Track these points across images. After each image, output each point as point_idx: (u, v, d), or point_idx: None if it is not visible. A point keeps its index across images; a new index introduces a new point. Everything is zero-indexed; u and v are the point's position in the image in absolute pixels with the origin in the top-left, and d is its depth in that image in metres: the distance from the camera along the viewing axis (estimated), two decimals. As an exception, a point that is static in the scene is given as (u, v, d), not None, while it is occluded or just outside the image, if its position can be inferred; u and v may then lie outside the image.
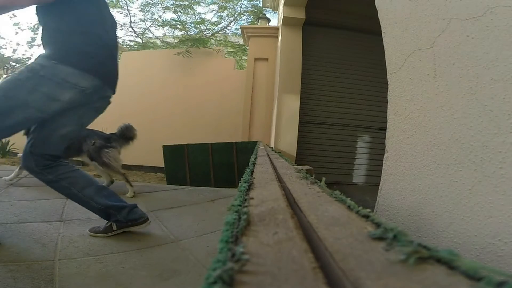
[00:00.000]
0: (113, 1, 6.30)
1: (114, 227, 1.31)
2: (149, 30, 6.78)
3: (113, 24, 1.34)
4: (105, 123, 4.27)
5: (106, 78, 1.24)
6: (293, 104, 3.18)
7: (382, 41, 1.06)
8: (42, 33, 1.15)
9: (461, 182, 0.64)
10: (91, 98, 1.20)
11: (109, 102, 1.36)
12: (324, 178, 0.53)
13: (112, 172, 2.26)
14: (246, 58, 5.58)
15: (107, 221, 1.33)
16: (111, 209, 1.29)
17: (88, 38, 1.15)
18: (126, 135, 2.30)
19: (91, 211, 1.31)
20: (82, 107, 1.21)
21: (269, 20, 4.65)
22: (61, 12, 1.11)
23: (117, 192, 2.12)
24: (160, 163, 3.45)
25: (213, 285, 0.17)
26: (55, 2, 1.08)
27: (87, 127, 1.51)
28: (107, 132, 2.46)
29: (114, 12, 6.66)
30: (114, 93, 1.36)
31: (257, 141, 3.23)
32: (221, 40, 6.69)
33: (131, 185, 2.19)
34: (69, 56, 1.11)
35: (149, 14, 6.44)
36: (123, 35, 6.78)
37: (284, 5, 3.27)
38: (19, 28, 5.97)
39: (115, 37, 1.34)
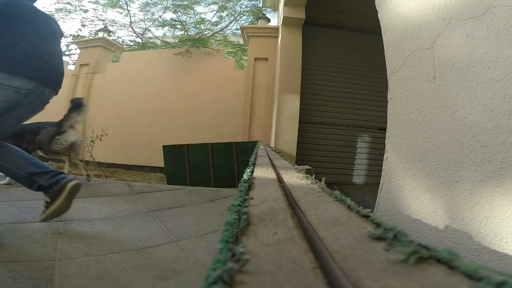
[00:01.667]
0: (113, 1, 6.30)
1: (48, 199, 1.35)
2: (149, 30, 6.79)
3: (51, 35, 1.54)
4: (105, 123, 4.29)
5: (42, 80, 1.41)
6: (293, 104, 3.17)
7: (382, 41, 1.06)
8: None
9: (461, 182, 0.64)
10: (28, 97, 1.38)
11: (46, 102, 1.53)
12: (324, 178, 0.53)
13: (62, 157, 2.36)
14: (246, 58, 5.57)
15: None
16: (35, 175, 1.34)
17: (19, 48, 1.34)
18: (73, 106, 2.39)
19: (17, 181, 1.39)
20: (20, 106, 1.38)
21: (269, 20, 4.65)
22: None
23: (115, 192, 2.12)
24: (160, 163, 3.45)
25: (213, 285, 0.17)
26: None
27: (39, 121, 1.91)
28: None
29: (114, 12, 6.66)
30: (56, 93, 1.55)
31: (257, 141, 3.23)
32: (221, 40, 6.69)
33: (69, 166, 2.33)
34: (0, 63, 1.30)
35: (149, 14, 6.45)
36: (123, 35, 6.78)
37: (284, 5, 3.27)
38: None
39: (53, 46, 1.54)
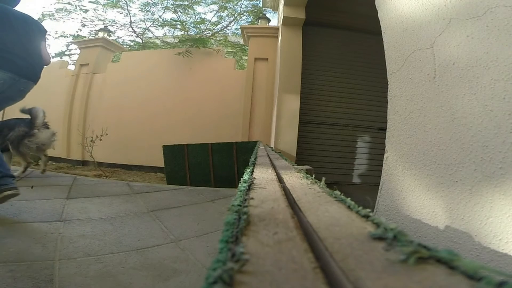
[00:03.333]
0: (113, 1, 6.30)
1: None
2: (149, 30, 6.78)
3: (27, 32, 1.73)
4: (105, 123, 4.29)
5: (17, 71, 1.63)
6: (293, 104, 3.17)
7: (382, 41, 1.06)
8: None
9: (461, 182, 0.64)
10: (4, 86, 1.58)
11: (24, 91, 1.75)
12: (324, 178, 0.53)
13: (23, 159, 2.41)
14: (246, 58, 5.57)
15: None
16: None
17: None
18: (28, 111, 2.39)
19: None
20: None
21: (269, 20, 4.64)
22: None
23: (115, 192, 2.12)
24: (160, 163, 3.45)
25: (213, 285, 0.17)
26: None
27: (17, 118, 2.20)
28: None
29: (114, 12, 6.66)
30: (34, 83, 1.79)
31: (257, 141, 3.23)
32: (221, 40, 6.68)
33: (23, 172, 2.37)
34: None
35: (149, 14, 6.45)
36: (123, 35, 6.78)
37: (284, 5, 3.27)
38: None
39: (29, 42, 1.74)
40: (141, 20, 6.66)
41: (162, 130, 4.34)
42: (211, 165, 3.22)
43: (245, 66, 4.94)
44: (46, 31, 1.94)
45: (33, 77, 1.78)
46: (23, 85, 1.70)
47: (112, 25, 6.46)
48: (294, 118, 3.16)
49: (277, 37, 4.04)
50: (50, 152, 2.64)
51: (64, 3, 6.41)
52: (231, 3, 6.26)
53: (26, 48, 1.70)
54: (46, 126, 2.41)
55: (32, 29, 1.80)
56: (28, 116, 2.35)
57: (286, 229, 0.27)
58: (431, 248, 0.20)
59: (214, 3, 6.33)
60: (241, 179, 0.53)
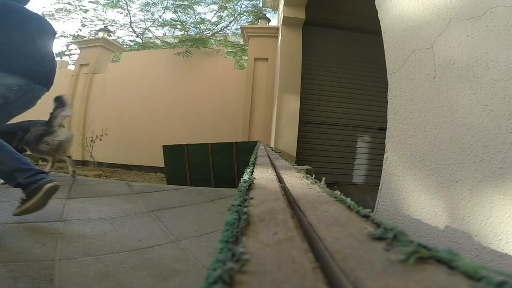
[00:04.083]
0: (113, 1, 6.30)
1: (24, 196, 1.37)
2: (149, 30, 6.78)
3: (42, 35, 1.61)
4: (105, 123, 4.28)
5: (32, 77, 1.49)
6: (293, 104, 3.17)
7: (382, 41, 1.06)
8: None
9: (461, 182, 0.64)
10: (19, 93, 1.45)
11: (37, 98, 1.61)
12: (324, 178, 0.53)
13: (47, 157, 2.44)
14: (246, 58, 5.57)
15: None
16: (16, 172, 1.36)
17: (9, 47, 1.42)
18: (58, 104, 2.42)
19: None
20: (12, 102, 1.45)
21: (269, 20, 4.64)
22: None
23: (115, 192, 2.12)
24: (160, 163, 3.45)
25: (213, 285, 0.17)
26: None
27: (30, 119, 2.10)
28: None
29: (114, 12, 6.67)
30: (47, 89, 1.64)
31: (257, 141, 3.23)
32: (221, 40, 6.68)
33: (51, 166, 2.40)
34: None
35: (149, 14, 6.45)
36: (123, 35, 6.78)
37: (284, 5, 3.27)
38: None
39: (43, 45, 1.61)
40: (141, 20, 6.67)
41: (162, 130, 4.34)
42: (211, 165, 3.22)
43: (245, 66, 4.94)
44: (56, 33, 1.80)
45: (47, 84, 1.64)
46: (38, 91, 1.57)
47: (112, 25, 6.46)
48: (294, 118, 3.16)
49: (277, 37, 4.04)
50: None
51: (64, 3, 6.42)
52: (231, 3, 6.26)
53: (41, 52, 1.58)
54: (61, 126, 2.45)
55: (45, 31, 1.67)
56: (35, 118, 2.36)
57: (286, 229, 0.27)
58: (431, 248, 0.20)
59: (214, 3, 6.33)
60: (241, 179, 0.53)
